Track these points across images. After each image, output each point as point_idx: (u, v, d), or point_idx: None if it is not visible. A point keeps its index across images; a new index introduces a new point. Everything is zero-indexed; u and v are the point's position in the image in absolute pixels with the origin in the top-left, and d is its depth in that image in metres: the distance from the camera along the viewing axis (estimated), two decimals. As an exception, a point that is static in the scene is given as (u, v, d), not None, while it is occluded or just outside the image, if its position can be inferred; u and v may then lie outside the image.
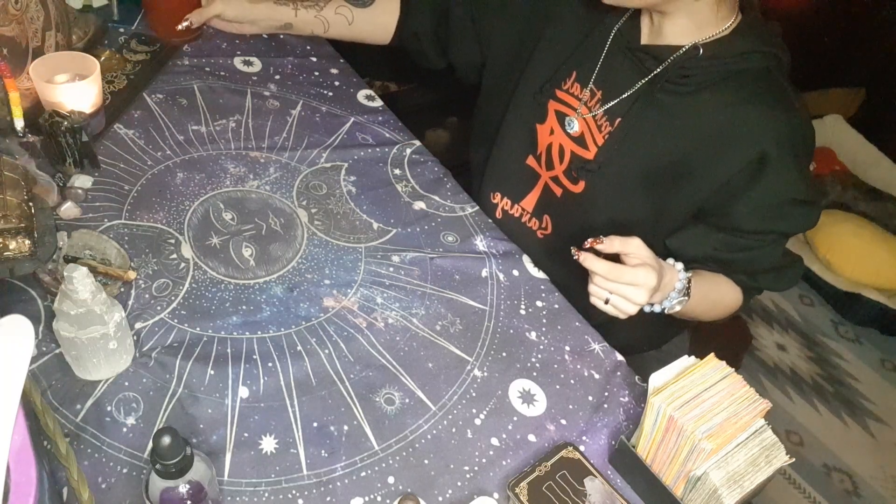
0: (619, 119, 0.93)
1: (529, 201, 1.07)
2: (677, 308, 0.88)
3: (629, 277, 0.78)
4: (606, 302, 0.80)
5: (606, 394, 0.86)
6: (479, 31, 1.10)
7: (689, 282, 0.87)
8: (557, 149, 1.00)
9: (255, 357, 0.81)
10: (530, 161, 1.05)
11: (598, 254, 0.79)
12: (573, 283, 0.95)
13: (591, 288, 0.81)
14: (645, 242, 0.81)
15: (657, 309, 0.87)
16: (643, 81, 0.91)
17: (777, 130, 0.85)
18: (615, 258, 0.80)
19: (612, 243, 0.79)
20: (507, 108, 1.06)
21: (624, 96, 0.93)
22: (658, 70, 0.89)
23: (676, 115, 0.89)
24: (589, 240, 0.80)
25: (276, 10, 1.20)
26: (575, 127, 0.97)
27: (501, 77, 1.08)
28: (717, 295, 0.96)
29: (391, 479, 0.73)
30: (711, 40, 0.87)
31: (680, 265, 0.87)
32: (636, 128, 0.92)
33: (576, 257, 0.79)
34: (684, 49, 0.87)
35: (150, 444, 0.61)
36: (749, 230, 0.91)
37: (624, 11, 0.94)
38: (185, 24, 1.16)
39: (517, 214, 1.09)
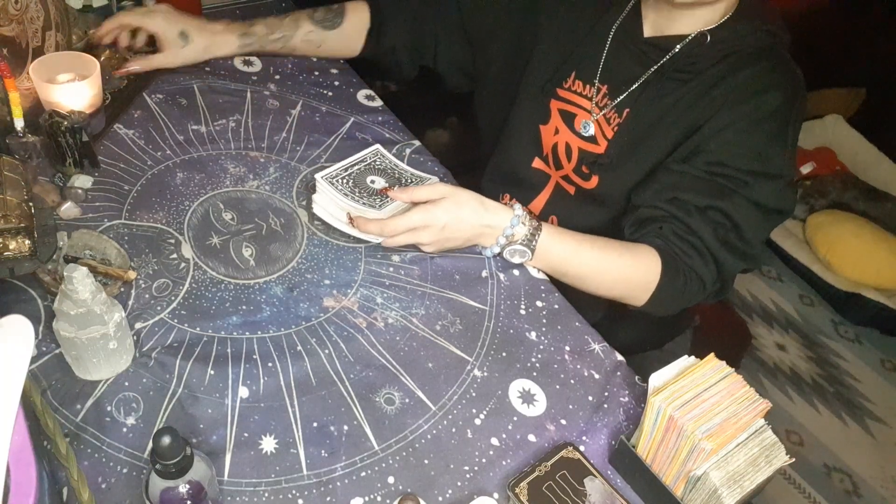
0: (627, 110, 0.93)
1: (538, 204, 1.07)
2: (518, 259, 0.91)
3: (403, 225, 0.87)
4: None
5: (606, 394, 0.86)
6: (470, 31, 1.10)
7: (538, 230, 0.88)
8: (564, 147, 1.00)
9: (255, 357, 0.80)
10: (537, 164, 1.05)
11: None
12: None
13: (384, 243, 0.92)
14: None
15: (488, 253, 0.93)
16: (650, 72, 0.92)
17: (784, 86, 0.86)
18: None
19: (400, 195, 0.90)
20: (511, 109, 1.06)
21: (632, 89, 0.93)
22: (665, 59, 0.90)
23: (685, 96, 0.90)
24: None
25: (239, 49, 1.12)
26: (591, 130, 0.98)
27: (504, 76, 1.08)
28: (607, 263, 0.89)
29: (391, 479, 0.73)
30: (716, 26, 0.88)
31: (518, 208, 0.88)
32: (646, 116, 0.92)
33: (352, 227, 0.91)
34: (690, 38, 0.88)
35: (150, 444, 0.61)
36: (719, 162, 0.86)
37: (623, 6, 0.94)
38: (128, 69, 1.05)
39: None
